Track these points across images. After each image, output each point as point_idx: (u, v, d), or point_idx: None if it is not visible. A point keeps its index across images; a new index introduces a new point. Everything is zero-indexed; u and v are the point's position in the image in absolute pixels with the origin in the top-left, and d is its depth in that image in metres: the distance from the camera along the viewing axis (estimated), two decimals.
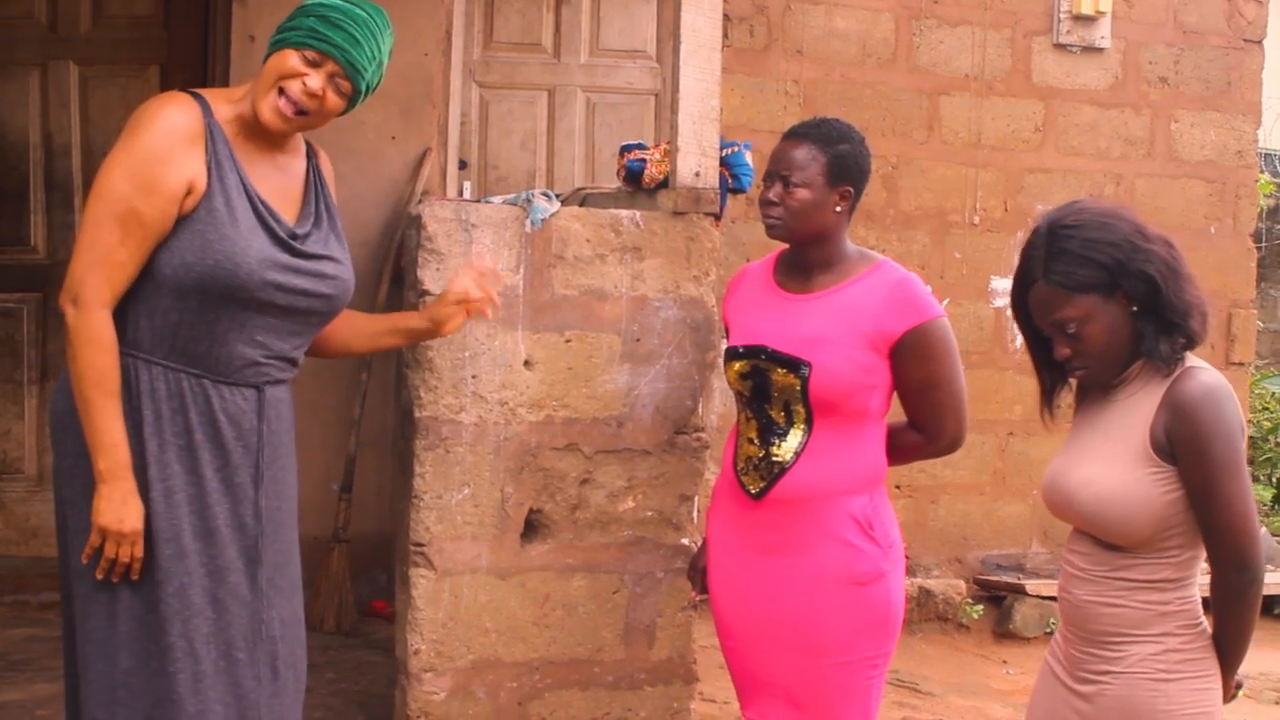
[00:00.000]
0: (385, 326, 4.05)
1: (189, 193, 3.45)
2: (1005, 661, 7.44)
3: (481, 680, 4.74)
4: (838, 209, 3.93)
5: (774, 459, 3.90)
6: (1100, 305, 3.19)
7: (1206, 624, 3.26)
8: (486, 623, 4.75)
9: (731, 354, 4.05)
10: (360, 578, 6.78)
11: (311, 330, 3.72)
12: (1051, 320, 3.26)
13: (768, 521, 3.93)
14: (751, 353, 3.97)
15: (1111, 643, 3.24)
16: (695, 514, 5.00)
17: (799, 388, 3.85)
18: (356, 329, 3.96)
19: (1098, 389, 3.34)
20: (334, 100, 3.59)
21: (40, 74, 7.15)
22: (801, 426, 3.88)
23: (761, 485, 3.92)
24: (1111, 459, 3.21)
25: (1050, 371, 3.42)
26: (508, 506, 4.75)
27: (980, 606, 7.83)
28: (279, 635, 3.67)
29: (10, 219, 7.10)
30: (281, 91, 3.54)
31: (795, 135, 3.97)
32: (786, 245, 4.07)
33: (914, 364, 3.87)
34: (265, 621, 3.63)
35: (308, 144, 3.79)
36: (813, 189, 3.88)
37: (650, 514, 4.87)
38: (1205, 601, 3.28)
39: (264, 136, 3.61)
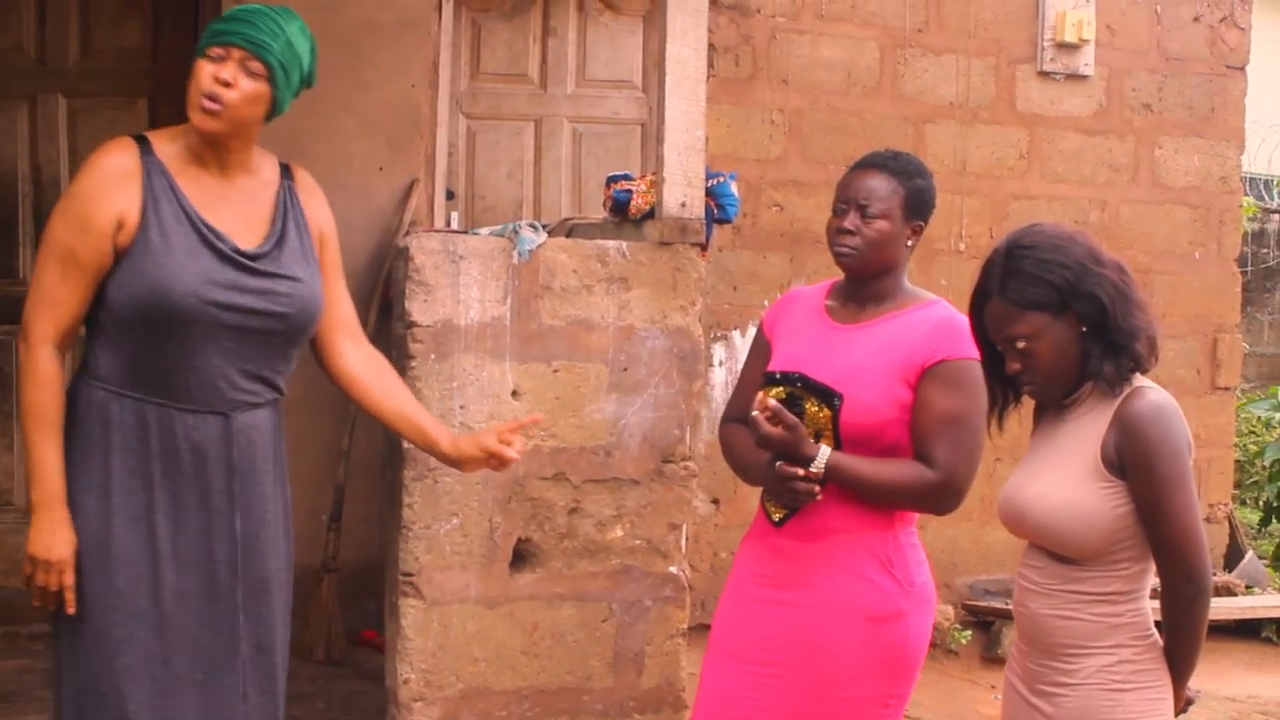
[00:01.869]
0: (411, 421, 4.00)
1: (121, 227, 3.53)
2: (994, 687, 7.44)
3: (471, 709, 4.76)
4: (908, 243, 3.89)
5: None
6: (1050, 324, 3.29)
7: (1158, 637, 3.33)
8: (475, 652, 4.77)
9: (769, 379, 3.92)
10: (349, 607, 6.78)
11: (277, 351, 3.70)
12: (1004, 335, 3.35)
13: (787, 551, 3.83)
14: (788, 379, 3.87)
15: (1067, 654, 3.32)
16: (684, 542, 5.03)
17: (830, 419, 3.76)
18: (389, 397, 3.99)
19: (1052, 408, 3.43)
20: (250, 85, 3.60)
21: (29, 106, 7.16)
22: None
23: (784, 513, 3.84)
24: (1064, 474, 3.30)
25: (1002, 387, 3.50)
26: (496, 536, 4.77)
27: (969, 632, 7.85)
28: (250, 660, 3.70)
29: (0, 250, 7.12)
30: (205, 97, 3.59)
31: (872, 165, 3.89)
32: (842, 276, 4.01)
33: (938, 395, 3.73)
34: (238, 649, 3.66)
35: (285, 166, 3.83)
36: (891, 221, 3.82)
37: (639, 543, 4.89)
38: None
39: (215, 161, 3.66)
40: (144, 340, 3.55)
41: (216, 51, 3.60)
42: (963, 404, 3.73)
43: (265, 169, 3.77)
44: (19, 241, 7.16)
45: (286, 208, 3.76)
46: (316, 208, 3.84)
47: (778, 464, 3.74)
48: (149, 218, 3.55)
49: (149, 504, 3.57)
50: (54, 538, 3.50)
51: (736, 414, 4.04)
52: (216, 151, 3.65)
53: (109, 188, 3.56)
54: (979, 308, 3.42)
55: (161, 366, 3.56)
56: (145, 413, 3.57)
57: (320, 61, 6.49)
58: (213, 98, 3.56)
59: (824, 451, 3.71)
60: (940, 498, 3.77)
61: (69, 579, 3.50)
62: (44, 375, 3.52)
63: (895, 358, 3.77)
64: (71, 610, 3.52)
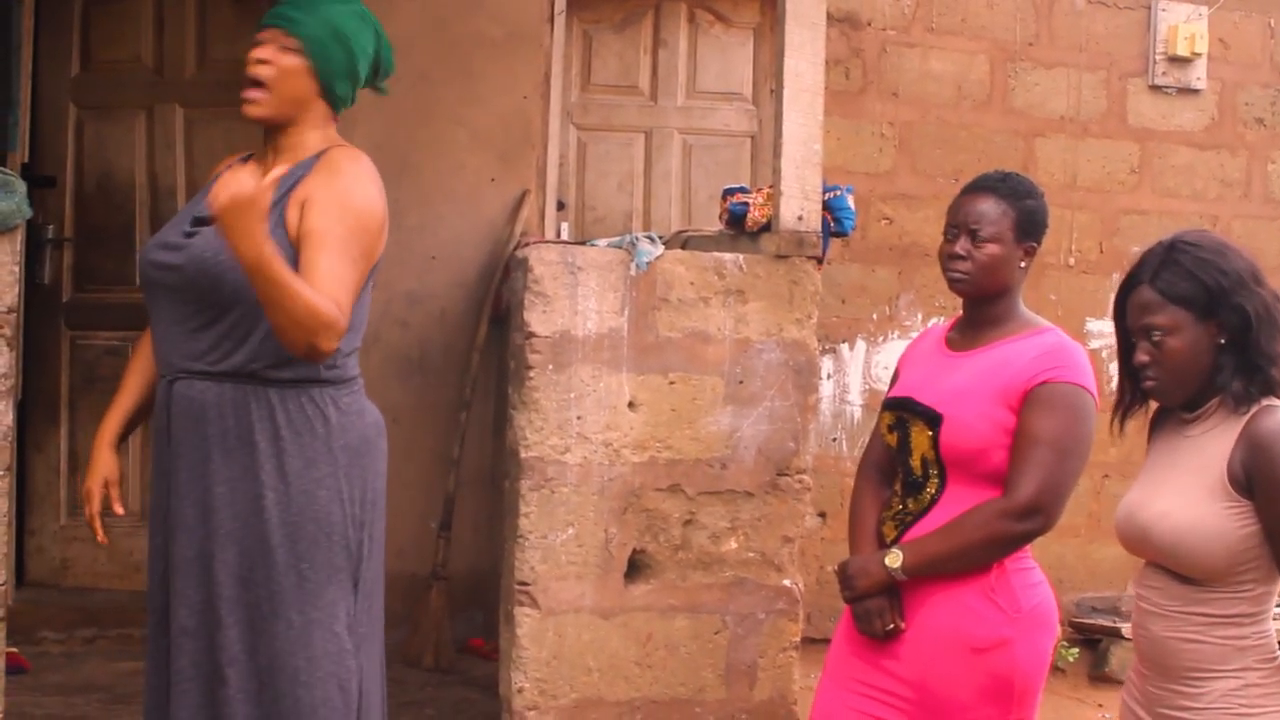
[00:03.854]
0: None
1: None
2: (1101, 705, 7.40)
3: (584, 719, 4.77)
4: (1021, 265, 3.83)
5: (908, 511, 3.80)
6: (1190, 323, 3.25)
7: None
8: (589, 662, 4.79)
9: (884, 405, 3.95)
10: (458, 615, 6.82)
11: (192, 312, 3.59)
12: (1142, 323, 3.30)
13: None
14: (898, 404, 3.88)
15: (1192, 678, 3.26)
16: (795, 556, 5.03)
17: (931, 440, 3.75)
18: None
19: (1172, 423, 3.37)
20: (285, 59, 3.65)
21: (146, 117, 7.26)
22: (936, 481, 3.77)
23: (894, 535, 3.81)
24: (1188, 492, 3.25)
25: (1131, 384, 3.43)
26: (611, 546, 4.79)
27: (1076, 650, 7.79)
28: (177, 644, 3.60)
29: (116, 259, 7.20)
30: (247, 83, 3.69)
31: (981, 188, 3.86)
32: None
33: (1031, 417, 3.67)
34: (164, 620, 3.64)
35: (329, 150, 3.73)
36: (1003, 244, 3.77)
37: (753, 555, 4.90)
38: None
39: (271, 150, 3.72)
40: None
41: (260, 36, 3.69)
42: (1053, 425, 3.65)
43: (307, 152, 3.71)
44: (135, 249, 7.24)
45: (285, 180, 3.59)
46: (316, 181, 3.63)
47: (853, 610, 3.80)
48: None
49: (153, 471, 3.73)
50: (88, 472, 3.81)
51: (871, 455, 4.03)
52: (269, 139, 3.71)
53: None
54: (1124, 294, 3.38)
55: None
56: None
57: (432, 75, 6.68)
58: (254, 81, 3.65)
59: (893, 564, 3.72)
60: (1021, 521, 3.66)
61: (92, 507, 3.78)
62: (135, 351, 3.90)
63: (999, 381, 3.72)
64: (100, 538, 3.81)
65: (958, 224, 3.83)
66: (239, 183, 3.28)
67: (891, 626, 3.73)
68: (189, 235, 3.63)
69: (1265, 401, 3.25)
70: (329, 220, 3.53)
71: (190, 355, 3.60)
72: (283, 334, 3.41)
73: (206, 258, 3.55)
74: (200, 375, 3.59)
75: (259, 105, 3.65)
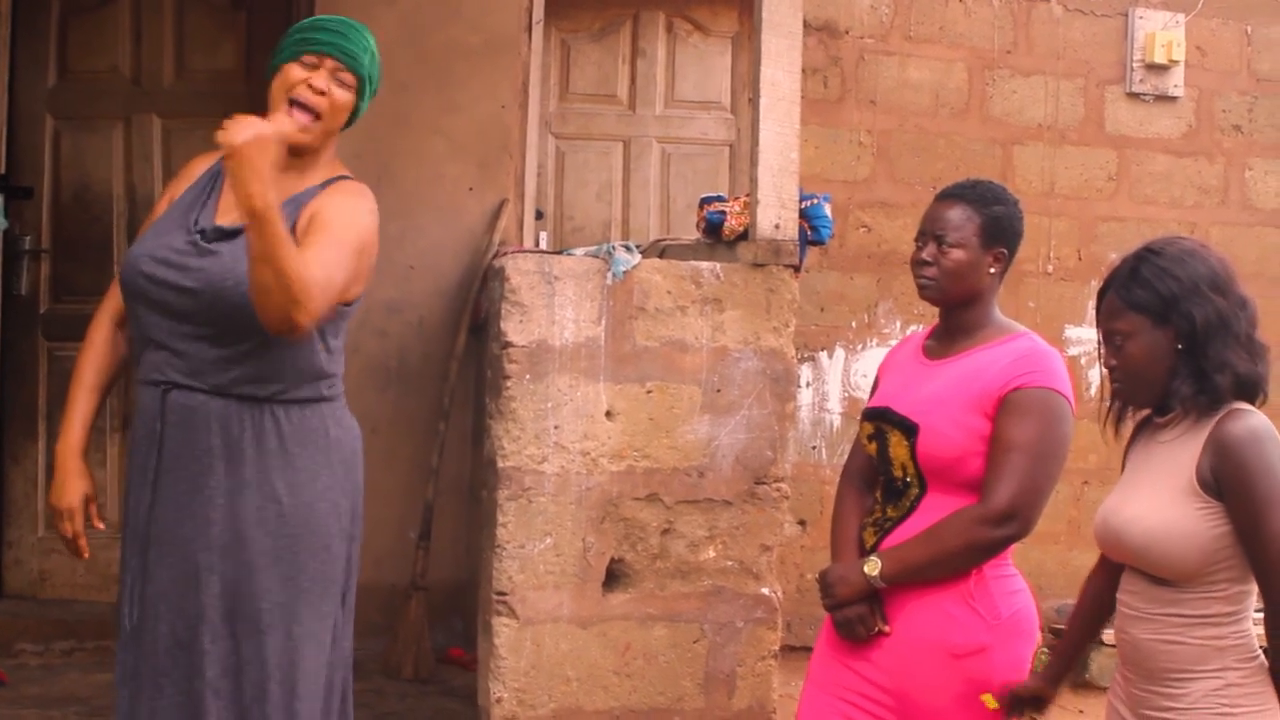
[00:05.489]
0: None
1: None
2: (1081, 711, 7.40)
3: None
4: (991, 271, 3.84)
5: (888, 517, 3.82)
6: (1147, 329, 3.30)
7: (1264, 658, 3.28)
8: (568, 671, 4.78)
9: (863, 415, 3.97)
10: (437, 625, 6.81)
11: (198, 333, 3.55)
12: (1106, 329, 3.38)
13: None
14: (877, 414, 3.90)
15: (1172, 680, 3.28)
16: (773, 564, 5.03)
17: (909, 449, 3.77)
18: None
19: (1148, 430, 3.42)
20: (341, 95, 3.65)
21: (124, 127, 7.25)
22: (916, 489, 3.78)
23: (874, 542, 3.83)
24: (1160, 496, 3.28)
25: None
26: (589, 556, 4.79)
27: None
28: (168, 652, 3.57)
29: (94, 269, 7.19)
30: (292, 104, 3.62)
31: (949, 195, 3.89)
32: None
33: (1005, 423, 3.69)
34: (148, 635, 3.57)
35: (338, 179, 3.74)
36: (967, 249, 3.79)
37: (731, 564, 4.90)
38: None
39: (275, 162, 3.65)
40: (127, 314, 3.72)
41: (310, 59, 3.64)
42: (1028, 430, 3.68)
43: (313, 173, 3.72)
44: (113, 260, 7.24)
45: (292, 201, 3.62)
46: (324, 199, 3.65)
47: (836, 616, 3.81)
48: (171, 206, 3.69)
49: (131, 478, 3.65)
50: (64, 487, 3.71)
51: (853, 464, 4.05)
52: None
53: (176, 185, 3.77)
54: (1099, 301, 3.44)
55: (135, 339, 3.68)
56: (137, 391, 3.67)
57: (410, 84, 6.69)
58: (308, 107, 3.61)
59: (872, 571, 3.74)
60: (998, 527, 3.66)
61: (77, 525, 3.69)
62: (88, 338, 3.79)
63: (974, 389, 3.74)
64: (84, 555, 3.74)
65: (925, 231, 3.87)
66: (259, 124, 3.33)
67: (876, 630, 3.74)
68: (200, 251, 3.56)
69: (1234, 405, 3.28)
70: (334, 224, 3.56)
71: (191, 370, 3.57)
72: (265, 295, 3.34)
73: (227, 285, 3.50)
74: (201, 390, 3.56)
75: (309, 134, 3.63)
